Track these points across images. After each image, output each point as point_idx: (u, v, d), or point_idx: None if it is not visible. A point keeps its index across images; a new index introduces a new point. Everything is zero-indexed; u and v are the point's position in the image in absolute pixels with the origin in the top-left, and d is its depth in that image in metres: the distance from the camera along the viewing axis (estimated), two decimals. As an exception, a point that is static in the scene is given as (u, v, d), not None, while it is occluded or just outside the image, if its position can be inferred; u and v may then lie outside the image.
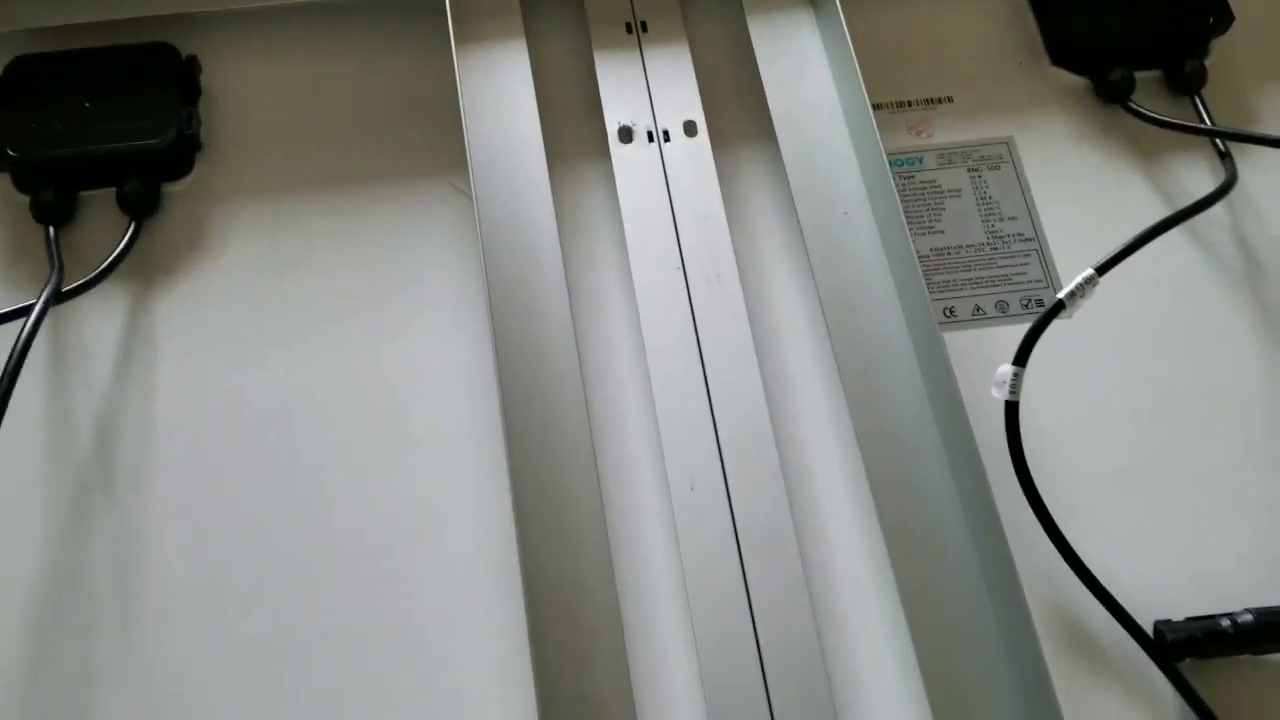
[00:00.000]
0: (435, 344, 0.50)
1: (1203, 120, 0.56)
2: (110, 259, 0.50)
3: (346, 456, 0.48)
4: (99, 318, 0.50)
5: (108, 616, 0.45)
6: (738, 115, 0.55)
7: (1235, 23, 0.57)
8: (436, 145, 0.55)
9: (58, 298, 0.47)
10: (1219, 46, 0.58)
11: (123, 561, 0.46)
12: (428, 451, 0.48)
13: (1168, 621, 0.44)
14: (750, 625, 0.43)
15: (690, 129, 0.53)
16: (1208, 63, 0.57)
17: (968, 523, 0.45)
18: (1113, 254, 0.47)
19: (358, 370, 0.50)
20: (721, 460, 0.46)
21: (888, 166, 0.49)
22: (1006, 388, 0.45)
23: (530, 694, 0.41)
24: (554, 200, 0.51)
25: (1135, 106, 0.56)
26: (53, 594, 0.45)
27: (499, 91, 0.54)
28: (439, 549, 0.46)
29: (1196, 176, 0.55)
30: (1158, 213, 0.52)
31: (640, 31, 0.56)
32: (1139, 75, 0.57)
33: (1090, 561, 0.44)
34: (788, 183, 0.52)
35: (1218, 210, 0.54)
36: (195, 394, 0.49)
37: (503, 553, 0.45)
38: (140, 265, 0.52)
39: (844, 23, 0.51)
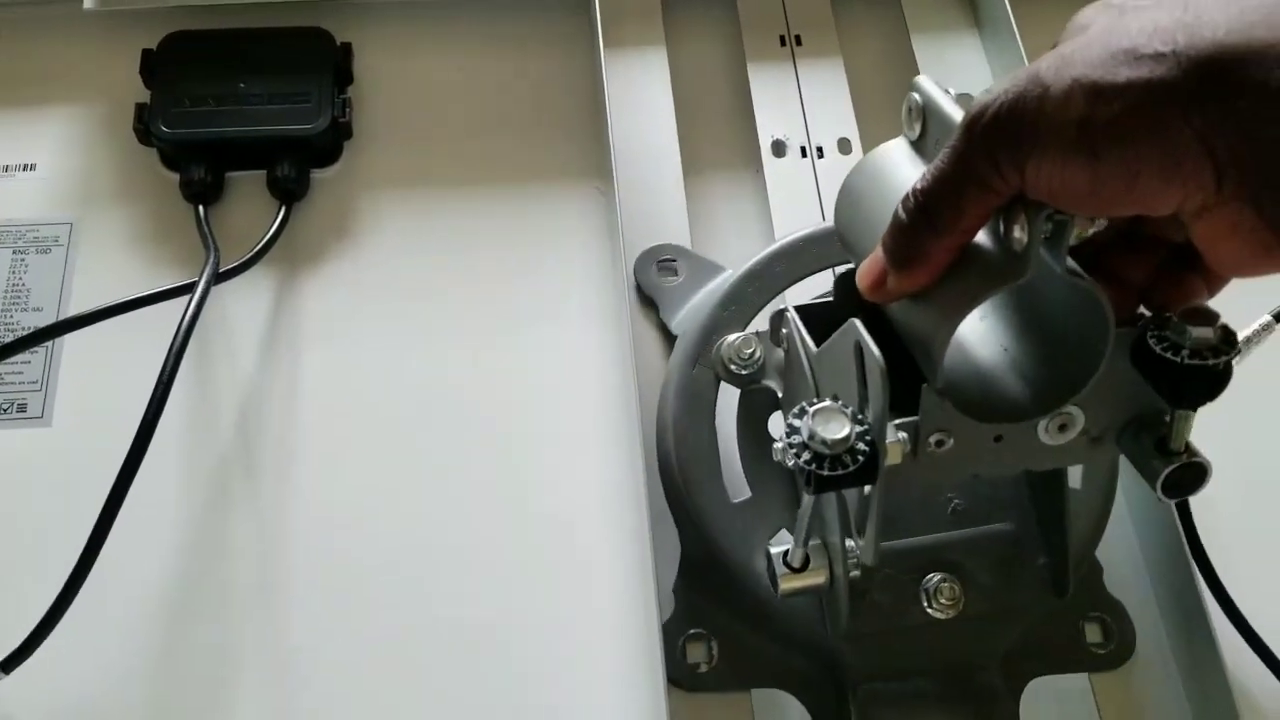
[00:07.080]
0: (569, 339, 0.50)
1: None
2: (263, 242, 0.49)
3: (480, 445, 0.48)
4: (245, 299, 0.50)
5: (246, 596, 0.45)
6: (893, 134, 0.54)
7: None
8: (576, 143, 0.54)
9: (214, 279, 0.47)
10: None
11: (262, 543, 0.46)
12: (561, 445, 0.48)
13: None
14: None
15: (844, 146, 0.53)
16: None
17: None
18: None
19: (493, 361, 0.49)
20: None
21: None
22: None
23: (661, 692, 0.41)
24: (688, 211, 0.51)
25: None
26: (192, 573, 0.45)
27: (641, 96, 0.54)
28: (571, 546, 0.46)
29: None
30: None
31: (795, 45, 0.55)
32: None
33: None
34: (942, 205, 0.51)
35: None
36: (337, 380, 0.49)
37: (636, 553, 0.45)
38: (287, 250, 0.51)
39: (1020, 43, 0.50)
